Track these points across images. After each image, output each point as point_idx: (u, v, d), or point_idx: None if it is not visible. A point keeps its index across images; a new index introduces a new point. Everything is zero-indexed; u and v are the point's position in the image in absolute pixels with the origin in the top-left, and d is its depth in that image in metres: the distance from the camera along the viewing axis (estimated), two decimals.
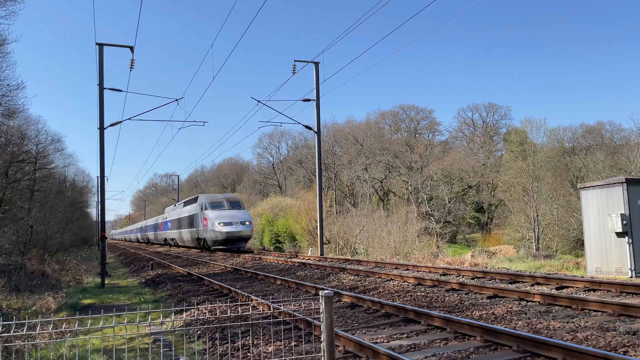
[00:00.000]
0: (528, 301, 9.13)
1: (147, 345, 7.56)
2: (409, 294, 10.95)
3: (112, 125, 21.20)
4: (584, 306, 8.15)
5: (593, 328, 6.83)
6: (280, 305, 9.37)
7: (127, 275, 23.56)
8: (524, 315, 8.01)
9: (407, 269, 16.03)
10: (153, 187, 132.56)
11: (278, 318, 8.65)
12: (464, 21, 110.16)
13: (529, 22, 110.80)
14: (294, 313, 8.30)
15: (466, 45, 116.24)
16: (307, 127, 26.71)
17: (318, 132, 24.82)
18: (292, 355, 6.18)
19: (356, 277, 14.61)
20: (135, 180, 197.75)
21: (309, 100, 25.15)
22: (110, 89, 20.83)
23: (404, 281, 12.84)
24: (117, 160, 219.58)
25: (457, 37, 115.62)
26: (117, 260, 38.47)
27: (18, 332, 4.26)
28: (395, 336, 7.12)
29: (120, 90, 21.56)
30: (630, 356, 5.38)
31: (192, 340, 8.00)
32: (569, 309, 8.27)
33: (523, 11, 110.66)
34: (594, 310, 7.95)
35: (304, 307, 5.62)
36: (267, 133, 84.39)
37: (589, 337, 6.34)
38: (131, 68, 21.16)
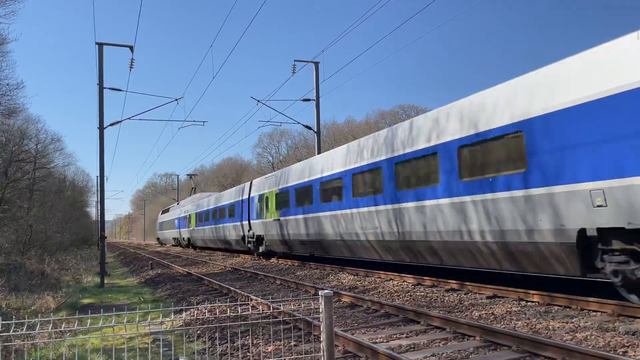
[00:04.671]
0: (527, 301, 9.13)
1: (146, 345, 7.56)
2: (409, 293, 10.95)
3: (111, 124, 21.20)
4: (583, 306, 8.15)
5: (592, 328, 6.84)
6: (280, 305, 9.37)
7: (126, 275, 23.56)
8: (523, 315, 8.01)
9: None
10: (152, 186, 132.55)
11: (278, 318, 8.66)
12: (464, 20, 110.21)
13: (533, 21, 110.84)
14: (294, 313, 8.30)
15: (467, 44, 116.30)
16: (307, 126, 26.71)
17: (318, 132, 24.83)
18: (291, 355, 6.18)
19: (355, 277, 14.62)
20: (134, 180, 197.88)
21: (308, 100, 25.17)
22: (110, 88, 20.84)
23: (404, 281, 12.84)
24: (116, 159, 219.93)
25: (456, 36, 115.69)
26: (116, 260, 38.47)
27: (17, 331, 4.27)
28: (394, 336, 7.12)
29: (120, 90, 21.58)
30: (629, 356, 5.38)
31: (191, 340, 8.00)
32: (568, 309, 8.28)
33: (527, 11, 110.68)
34: (593, 311, 7.95)
35: (304, 307, 5.63)
36: (267, 133, 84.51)
37: (588, 337, 6.34)
38: (131, 68, 21.17)
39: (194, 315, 9.66)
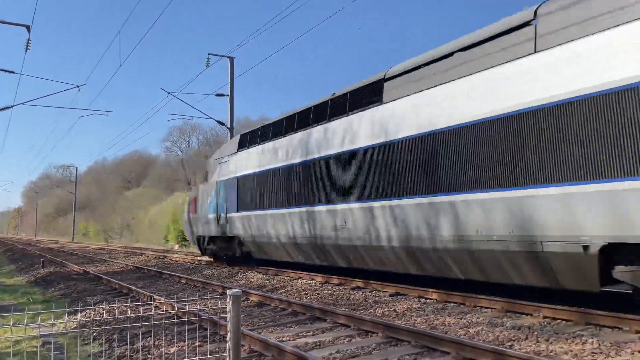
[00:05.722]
0: (427, 299, 9.62)
1: (35, 349, 7.00)
2: (316, 292, 11.11)
3: (1, 109, 19.39)
4: (476, 303, 8.74)
5: (484, 323, 7.36)
6: (185, 305, 9.10)
7: (13, 274, 21.64)
8: (422, 312, 8.43)
9: None
10: (47, 178, 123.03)
11: (182, 318, 8.39)
12: (390, 18, 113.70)
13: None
14: (200, 313, 8.10)
15: (403, 42, 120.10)
16: (219, 122, 26.15)
17: (231, 128, 24.44)
18: (195, 356, 6.02)
19: (265, 275, 14.57)
20: (27, 171, 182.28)
21: (222, 95, 24.72)
22: (0, 69, 19.06)
23: (312, 279, 13.01)
24: (6, 148, 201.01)
25: (380, 34, 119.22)
26: (2, 257, 35.23)
27: None
28: (301, 334, 7.18)
29: (13, 72, 19.83)
30: (515, 349, 5.86)
31: (86, 342, 7.53)
32: (462, 306, 8.83)
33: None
34: (485, 307, 8.55)
35: (210, 306, 5.50)
36: (177, 126, 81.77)
37: (480, 332, 6.81)
38: (27, 49, 19.46)
39: (90, 317, 9.10)
